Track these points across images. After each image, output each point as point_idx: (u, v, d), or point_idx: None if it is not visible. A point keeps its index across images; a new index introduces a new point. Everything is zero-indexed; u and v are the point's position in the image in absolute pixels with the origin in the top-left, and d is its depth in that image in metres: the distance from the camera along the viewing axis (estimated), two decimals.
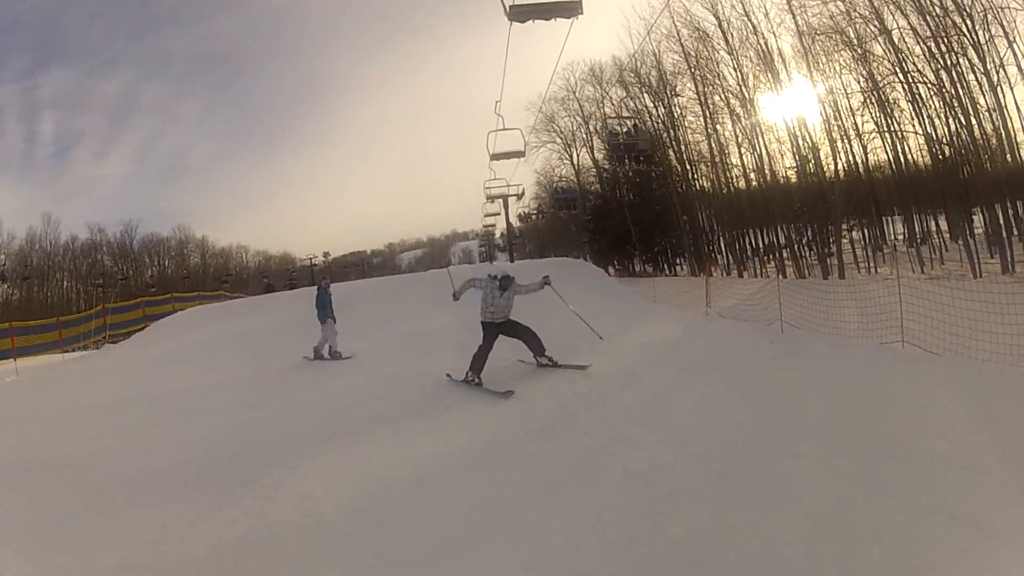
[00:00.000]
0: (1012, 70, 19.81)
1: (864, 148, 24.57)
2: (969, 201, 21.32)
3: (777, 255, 27.62)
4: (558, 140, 36.67)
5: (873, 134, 24.23)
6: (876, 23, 22.82)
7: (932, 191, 22.94)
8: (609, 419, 9.97)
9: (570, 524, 6.69)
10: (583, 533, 6.49)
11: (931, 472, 7.01)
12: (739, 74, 27.85)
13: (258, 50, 40.28)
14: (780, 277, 21.99)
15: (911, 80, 22.41)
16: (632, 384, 11.91)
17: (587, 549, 6.20)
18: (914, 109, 22.59)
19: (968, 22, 20.31)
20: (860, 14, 23.25)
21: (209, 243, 40.61)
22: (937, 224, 23.27)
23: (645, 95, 32.28)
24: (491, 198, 34.52)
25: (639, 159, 31.28)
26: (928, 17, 21.24)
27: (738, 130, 28.68)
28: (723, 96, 28.99)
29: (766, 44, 26.50)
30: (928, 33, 21.37)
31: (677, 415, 10.00)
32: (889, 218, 25.26)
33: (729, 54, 27.98)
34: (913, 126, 22.79)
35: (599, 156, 35.78)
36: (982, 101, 20.44)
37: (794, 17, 25.08)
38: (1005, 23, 19.65)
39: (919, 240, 23.71)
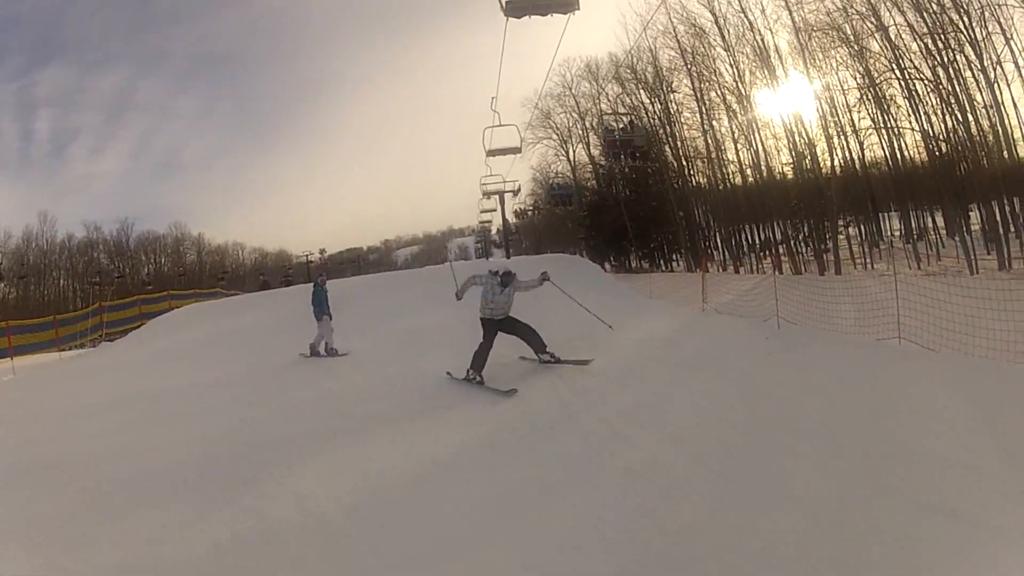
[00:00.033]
0: (1009, 67, 19.83)
1: (860, 144, 24.60)
2: (966, 197, 21.36)
3: (773, 251, 27.64)
4: (554, 136, 36.73)
5: (869, 130, 24.26)
6: (873, 19, 22.84)
7: (929, 187, 22.99)
8: (608, 418, 9.95)
9: (569, 523, 6.68)
10: (582, 532, 6.49)
11: (931, 471, 7.01)
12: (735, 70, 27.90)
13: (255, 47, 40.28)
14: (776, 273, 22.07)
15: (908, 76, 22.42)
16: (630, 381, 11.90)
17: (585, 547, 6.20)
18: (911, 105, 22.61)
19: (965, 19, 20.32)
20: (857, 10, 23.27)
21: (205, 240, 40.57)
22: (934, 220, 23.32)
23: (641, 91, 32.37)
24: (487, 194, 34.49)
25: (635, 155, 31.30)
26: (925, 14, 21.25)
27: (734, 126, 28.74)
28: (719, 92, 29.05)
29: (762, 40, 26.53)
30: (925, 30, 21.38)
31: (675, 413, 9.97)
32: (886, 214, 25.29)
33: (725, 50, 28.03)
34: (910, 122, 22.82)
35: (595, 152, 35.89)
36: (979, 98, 20.45)
37: (790, 13, 25.11)
38: (1002, 20, 19.67)
39: (916, 236, 23.73)
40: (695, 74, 29.64)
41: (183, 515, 7.34)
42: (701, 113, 29.82)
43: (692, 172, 31.64)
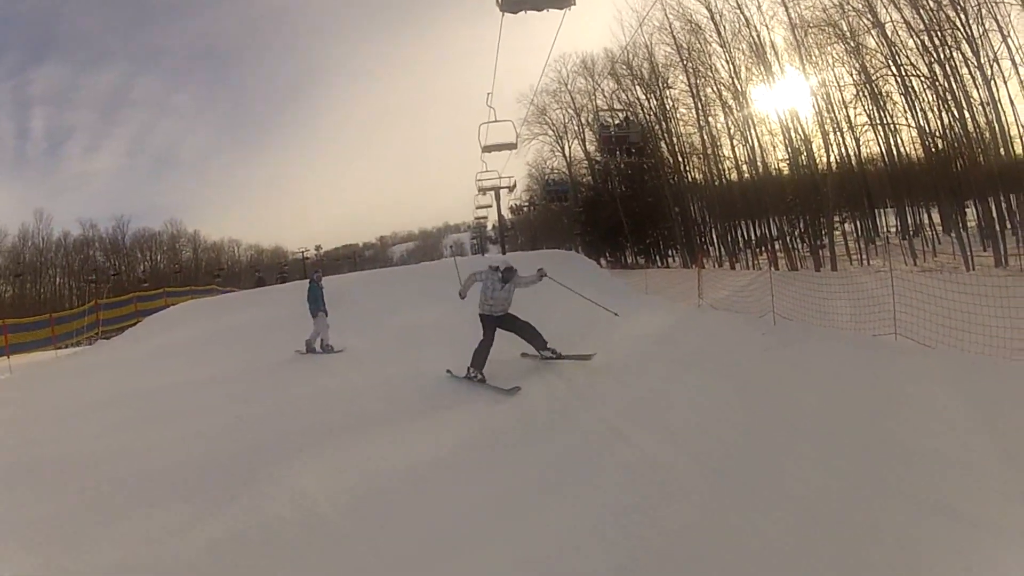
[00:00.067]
0: (1006, 64, 19.83)
1: (857, 140, 24.58)
2: (962, 194, 21.38)
3: (769, 247, 27.66)
4: (550, 132, 36.66)
5: (866, 127, 24.25)
6: (869, 16, 22.83)
7: (925, 184, 22.98)
8: (605, 415, 9.98)
9: (567, 522, 6.71)
10: (580, 530, 6.52)
11: (930, 470, 7.02)
12: (731, 66, 27.86)
13: (251, 42, 40.07)
14: (772, 269, 22.08)
15: (904, 73, 22.43)
16: (627, 378, 11.90)
17: (584, 546, 6.24)
18: (907, 102, 22.61)
19: (962, 16, 20.30)
20: (853, 7, 23.25)
21: (201, 237, 40.43)
22: (930, 217, 23.32)
23: (637, 87, 32.33)
24: (483, 190, 34.44)
25: (630, 151, 31.28)
26: (921, 10, 21.25)
27: (730, 122, 28.70)
28: (715, 88, 29.01)
29: (758, 37, 26.49)
30: (921, 26, 21.37)
31: (673, 410, 9.98)
32: (882, 210, 25.28)
33: (721, 46, 27.99)
34: (906, 119, 22.83)
35: (591, 148, 35.82)
36: (975, 95, 20.44)
37: (787, 10, 25.07)
38: (999, 17, 19.66)
39: (912, 232, 23.73)
40: (691, 70, 29.62)
41: (183, 515, 7.38)
42: (697, 109, 29.81)
43: (688, 168, 31.64)
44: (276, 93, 41.42)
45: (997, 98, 19.97)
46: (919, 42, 21.63)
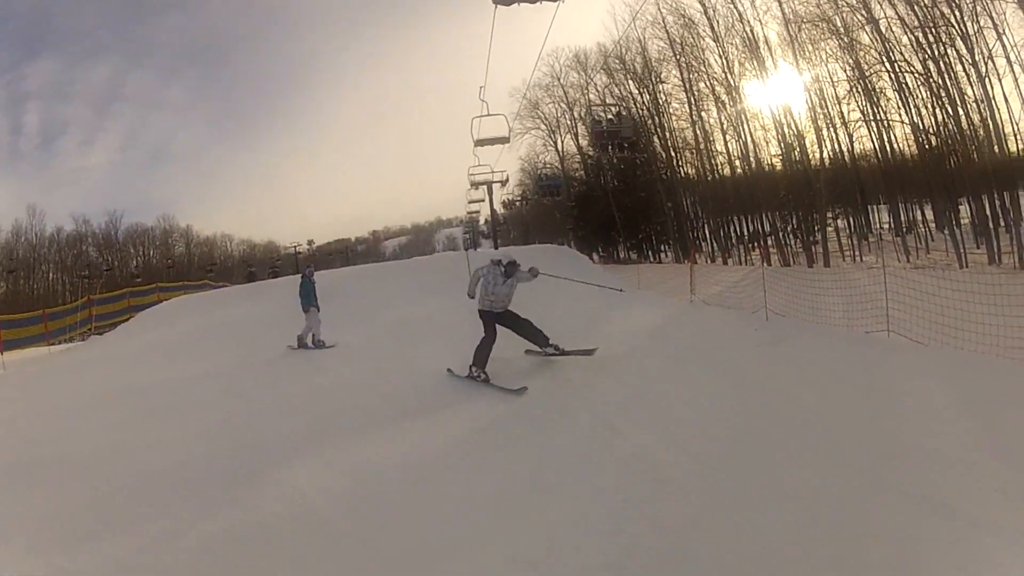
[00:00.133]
0: (1000, 61, 19.83)
1: (850, 136, 24.65)
2: (955, 191, 21.38)
3: (762, 243, 27.65)
4: (542, 127, 36.60)
5: (859, 123, 24.26)
6: (863, 12, 22.83)
7: (918, 180, 23.02)
8: (599, 411, 9.93)
9: (560, 519, 6.69)
10: (573, 527, 6.49)
11: (930, 469, 7.00)
12: (724, 61, 27.89)
13: (244, 36, 39.89)
14: (765, 265, 22.05)
15: (898, 69, 22.42)
16: (620, 374, 11.81)
17: (577, 543, 6.21)
18: (901, 98, 22.64)
19: (957, 13, 20.31)
20: (847, 3, 23.28)
21: (194, 232, 40.23)
22: (923, 213, 23.37)
23: (630, 82, 32.34)
24: (475, 184, 34.31)
25: (623, 146, 31.23)
26: (916, 7, 21.24)
27: (723, 117, 28.72)
28: (708, 83, 29.04)
29: (752, 32, 26.52)
30: (916, 23, 21.38)
31: (667, 406, 9.93)
32: (875, 207, 25.32)
33: (715, 41, 28.01)
34: (899, 115, 22.88)
35: (583, 143, 35.76)
36: (970, 92, 20.46)
37: (780, 5, 25.14)
38: (994, 15, 19.65)
39: (905, 229, 23.76)
40: (684, 65, 29.64)
41: (182, 515, 7.32)
42: (690, 104, 29.83)
43: (681, 163, 31.66)
44: (268, 88, 41.29)
45: (991, 95, 19.98)
46: (913, 38, 21.65)
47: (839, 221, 25.69)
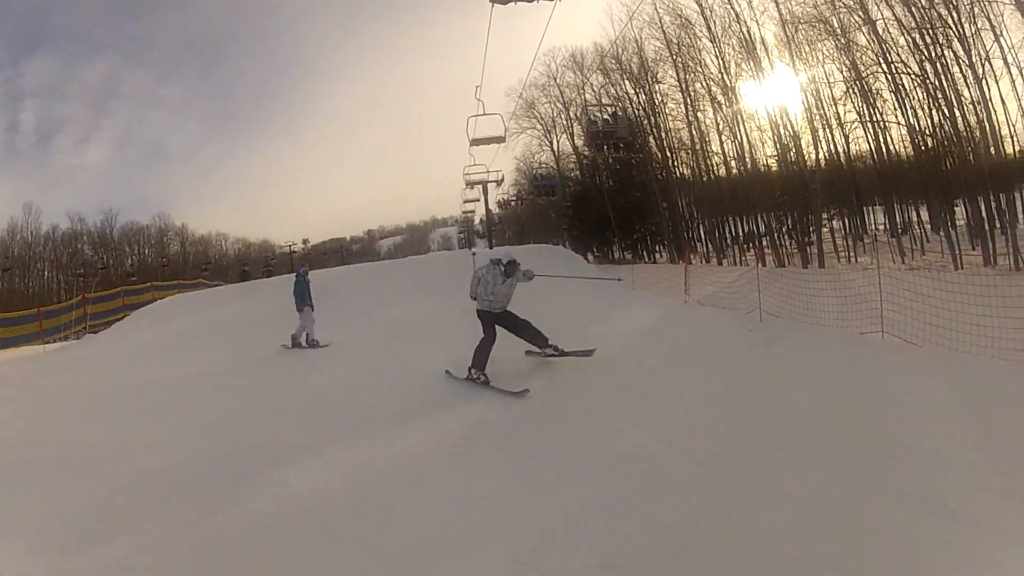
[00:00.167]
0: (998, 63, 19.82)
1: (846, 137, 24.64)
2: (951, 193, 21.38)
3: (757, 243, 27.64)
4: (538, 126, 36.64)
5: (855, 124, 24.26)
6: (860, 13, 22.82)
7: (914, 182, 23.01)
8: (593, 410, 9.91)
9: (552, 518, 6.66)
10: (566, 527, 6.47)
11: (929, 469, 6.94)
12: (721, 62, 27.89)
13: (240, 34, 39.98)
14: (759, 265, 22.04)
15: (894, 71, 22.42)
16: (615, 374, 11.78)
17: (569, 543, 6.17)
18: (897, 100, 22.63)
19: (954, 14, 20.31)
20: (844, 4, 23.27)
21: (189, 231, 40.41)
22: (918, 215, 23.36)
23: (626, 82, 32.37)
24: (471, 184, 34.41)
25: (618, 147, 31.24)
26: (913, 8, 21.23)
27: (719, 118, 28.71)
28: (704, 84, 29.05)
29: (749, 32, 26.52)
30: (913, 24, 21.37)
31: (661, 406, 9.91)
32: (870, 208, 25.32)
33: (711, 42, 28.01)
34: (896, 117, 22.86)
35: (579, 143, 35.81)
36: (966, 94, 20.46)
37: (777, 5, 25.12)
38: (992, 16, 19.65)
39: (900, 230, 23.75)
40: (680, 65, 29.64)
41: (181, 515, 7.29)
42: (686, 104, 29.83)
43: (676, 163, 31.68)
44: (264, 86, 41.36)
45: (988, 97, 19.97)
46: (910, 40, 21.64)
47: (834, 222, 25.70)
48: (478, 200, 36.35)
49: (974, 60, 20.09)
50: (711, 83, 28.63)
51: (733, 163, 28.72)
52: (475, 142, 30.43)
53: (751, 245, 28.14)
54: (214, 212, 42.30)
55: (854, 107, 24.17)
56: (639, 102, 31.85)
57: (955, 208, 21.28)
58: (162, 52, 38.55)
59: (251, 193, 42.16)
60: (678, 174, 31.71)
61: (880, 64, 22.79)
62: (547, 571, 5.80)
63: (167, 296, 30.88)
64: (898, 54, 22.20)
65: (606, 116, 31.46)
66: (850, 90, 24.01)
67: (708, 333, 14.70)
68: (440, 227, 44.22)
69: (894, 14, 21.86)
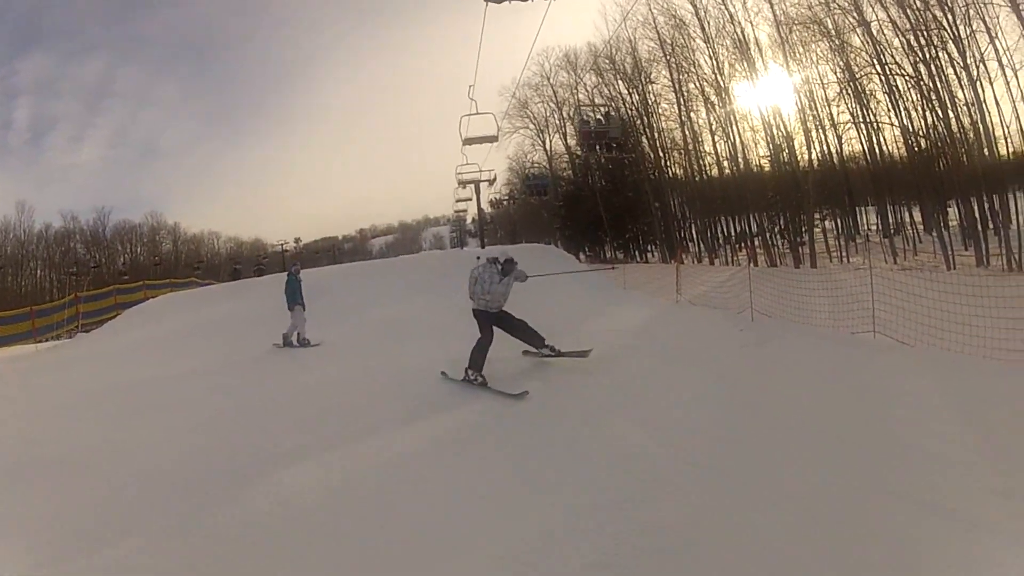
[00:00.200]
0: (992, 65, 19.83)
1: (839, 138, 24.70)
2: (944, 193, 21.40)
3: (749, 243, 27.66)
4: (531, 126, 36.69)
5: (848, 125, 24.29)
6: (855, 14, 22.85)
7: (907, 183, 23.04)
8: (585, 410, 9.87)
9: (543, 518, 6.66)
10: (556, 526, 6.46)
11: (929, 469, 6.94)
12: (715, 62, 27.92)
13: (233, 33, 40.00)
14: (751, 265, 22.04)
15: (889, 72, 22.44)
16: (607, 373, 11.78)
17: (560, 542, 6.17)
18: (891, 101, 22.67)
19: (949, 16, 20.32)
20: (839, 5, 23.33)
21: (181, 230, 40.51)
22: (911, 215, 23.40)
23: (619, 82, 32.40)
24: (463, 183, 34.41)
25: (611, 147, 31.23)
26: (908, 10, 21.26)
27: (712, 118, 28.74)
28: (698, 84, 29.08)
29: (743, 33, 26.55)
30: (908, 26, 21.41)
31: (652, 406, 9.90)
32: (862, 208, 25.37)
33: (705, 42, 28.05)
34: (889, 118, 22.92)
35: (572, 142, 35.81)
36: (960, 95, 20.47)
37: (772, 6, 25.15)
38: (987, 18, 19.67)
39: (892, 231, 23.79)
40: (674, 65, 29.68)
41: (180, 515, 7.29)
42: (679, 104, 29.88)
43: (669, 163, 31.71)
44: (257, 85, 41.45)
45: (983, 99, 19.98)
46: (904, 41, 21.68)
47: (827, 222, 25.73)
48: (470, 199, 36.44)
49: (968, 62, 20.11)
50: (704, 83, 28.71)
51: (726, 163, 28.82)
52: (468, 141, 30.51)
53: (743, 245, 28.19)
54: (206, 211, 42.41)
55: (847, 108, 24.25)
56: (632, 102, 31.91)
57: (948, 209, 21.31)
58: (156, 50, 38.66)
59: (243, 192, 42.25)
60: (671, 174, 31.74)
61: (874, 65, 22.85)
62: (547, 571, 5.78)
63: (159, 295, 30.94)
64: (892, 56, 22.25)
65: (599, 116, 31.47)
66: (844, 91, 24.08)
67: (700, 333, 14.73)
68: (432, 226, 44.27)
69: (889, 16, 21.91)
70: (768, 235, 26.77)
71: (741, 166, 27.84)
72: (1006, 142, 19.91)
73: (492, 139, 31.00)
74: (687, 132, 29.84)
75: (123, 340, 21.92)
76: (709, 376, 11.09)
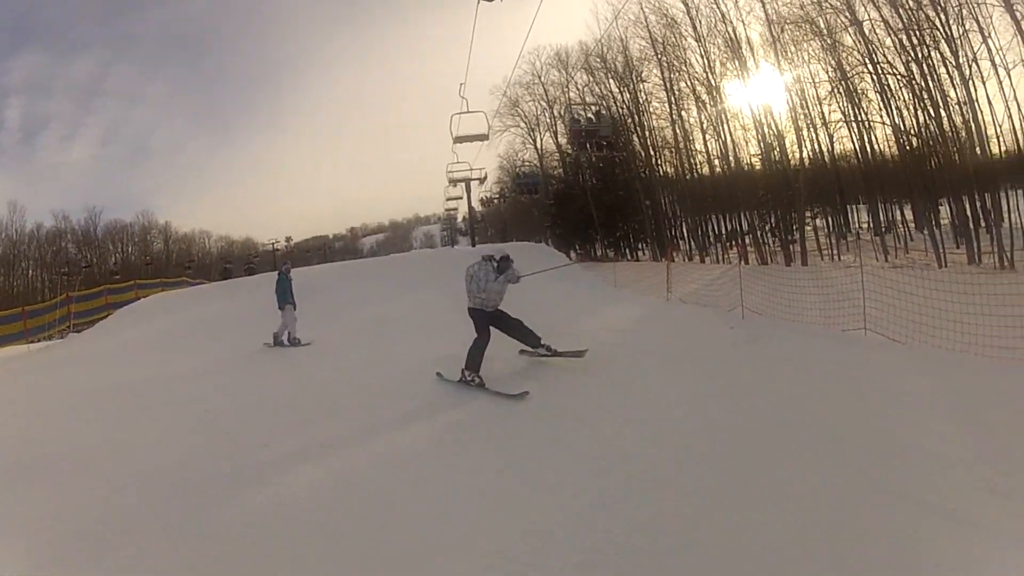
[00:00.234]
0: (985, 64, 19.86)
1: (830, 137, 24.68)
2: (936, 192, 21.43)
3: (740, 241, 27.68)
4: (522, 124, 36.56)
5: (840, 123, 24.31)
6: (847, 14, 22.87)
7: (898, 181, 23.07)
8: (575, 408, 9.93)
9: (535, 516, 6.68)
10: (548, 525, 6.48)
11: (925, 468, 7.00)
12: (706, 61, 27.89)
13: (224, 31, 39.87)
14: (742, 263, 22.06)
15: (880, 71, 22.47)
16: (597, 371, 11.77)
17: (551, 541, 6.20)
18: (882, 100, 22.69)
19: (942, 16, 20.34)
20: (831, 4, 23.32)
21: (172, 229, 40.34)
22: (903, 214, 23.40)
23: (611, 80, 32.33)
24: (453, 182, 34.42)
25: (601, 145, 31.22)
26: (901, 10, 21.27)
27: (703, 117, 28.73)
28: (689, 83, 29.03)
29: (734, 32, 26.54)
30: (900, 25, 21.42)
31: (642, 403, 9.96)
32: (854, 206, 25.38)
33: (697, 41, 28.01)
34: (881, 117, 22.92)
35: (563, 141, 35.72)
36: (953, 94, 20.50)
37: (763, 5, 25.12)
38: (980, 18, 19.69)
39: (884, 229, 23.81)
40: (665, 64, 29.65)
41: (180, 515, 7.27)
42: (670, 103, 29.82)
43: (660, 162, 31.66)
44: (248, 83, 41.33)
45: (975, 98, 20.01)
46: (896, 40, 21.69)
47: (818, 220, 25.73)
48: (461, 198, 36.40)
49: (961, 61, 20.14)
50: (696, 82, 28.66)
51: (717, 162, 28.76)
52: (458, 140, 30.47)
53: (734, 243, 28.18)
54: (197, 210, 42.28)
55: (839, 107, 24.23)
56: (623, 101, 31.85)
57: (939, 207, 21.33)
58: (147, 48, 38.53)
59: (234, 191, 42.14)
60: (661, 172, 31.68)
61: (866, 64, 22.85)
62: (547, 571, 5.80)
63: (150, 295, 30.84)
64: (884, 55, 22.27)
65: (590, 115, 31.43)
66: (835, 90, 24.08)
67: (691, 331, 14.79)
68: (423, 225, 44.22)
69: (881, 15, 21.93)
70: (759, 233, 26.76)
71: (732, 164, 27.82)
72: (998, 141, 19.95)
73: (483, 138, 30.98)
74: (678, 131, 29.81)
75: (115, 340, 21.86)
76: (704, 375, 11.15)
